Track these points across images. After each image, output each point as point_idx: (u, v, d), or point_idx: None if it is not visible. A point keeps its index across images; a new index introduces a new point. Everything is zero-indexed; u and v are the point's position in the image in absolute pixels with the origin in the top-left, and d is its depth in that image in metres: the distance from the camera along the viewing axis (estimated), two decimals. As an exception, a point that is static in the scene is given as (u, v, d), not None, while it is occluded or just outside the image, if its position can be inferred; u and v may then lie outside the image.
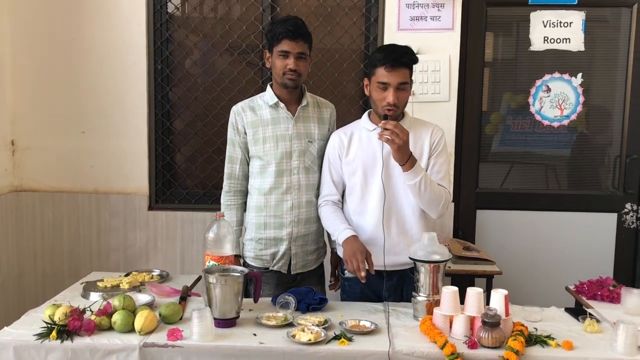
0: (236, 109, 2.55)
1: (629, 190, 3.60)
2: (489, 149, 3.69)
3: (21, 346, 1.88)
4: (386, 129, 2.18)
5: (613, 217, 3.63)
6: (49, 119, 3.54)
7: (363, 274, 2.21)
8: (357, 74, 3.57)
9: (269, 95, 2.52)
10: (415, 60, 2.34)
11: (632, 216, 3.61)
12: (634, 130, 3.58)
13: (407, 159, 2.22)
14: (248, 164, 2.58)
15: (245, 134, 2.51)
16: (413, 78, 2.37)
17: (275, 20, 2.56)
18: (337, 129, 2.62)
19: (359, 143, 2.42)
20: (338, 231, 2.36)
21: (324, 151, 2.53)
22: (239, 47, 3.60)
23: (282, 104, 2.50)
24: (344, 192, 2.50)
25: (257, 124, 2.50)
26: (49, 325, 1.95)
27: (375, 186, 2.37)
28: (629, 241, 3.63)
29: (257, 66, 3.58)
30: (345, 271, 2.48)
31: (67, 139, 3.55)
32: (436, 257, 2.12)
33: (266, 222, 2.53)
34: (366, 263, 2.24)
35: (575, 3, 3.47)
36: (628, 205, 3.61)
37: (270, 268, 2.55)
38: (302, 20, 2.47)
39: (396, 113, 2.31)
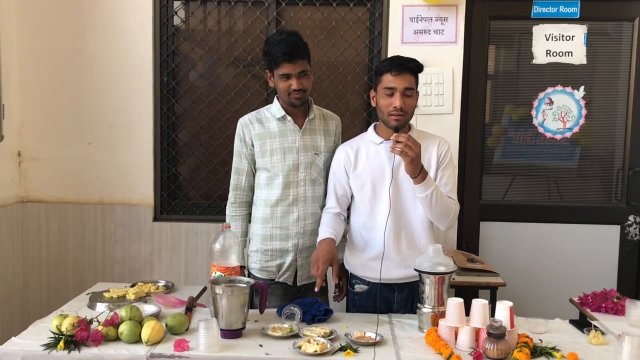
0: (243, 121, 2.57)
1: (632, 202, 3.61)
2: (492, 161, 3.71)
3: (29, 356, 1.89)
4: (398, 142, 2.17)
5: (616, 229, 3.64)
6: (55, 130, 3.57)
7: (319, 281, 2.24)
8: (361, 86, 3.60)
9: (276, 108, 2.54)
10: (421, 68, 2.35)
11: (635, 228, 3.62)
12: (637, 142, 3.59)
13: (419, 172, 2.22)
14: (254, 176, 2.60)
15: (253, 146, 2.53)
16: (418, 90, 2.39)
17: (269, 40, 2.46)
18: (341, 141, 2.64)
19: (367, 157, 2.42)
20: (321, 233, 2.39)
21: (330, 163, 2.55)
22: (244, 60, 3.63)
23: (289, 117, 2.51)
24: (350, 206, 2.50)
25: (265, 136, 2.52)
26: (57, 336, 1.96)
27: (384, 200, 2.37)
28: (632, 253, 3.63)
29: (262, 79, 3.60)
30: (355, 285, 2.48)
31: (73, 150, 3.57)
32: (441, 269, 2.13)
33: (272, 233, 2.54)
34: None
35: (577, 17, 3.50)
36: (631, 218, 3.62)
37: (276, 279, 2.56)
38: (296, 35, 2.45)
39: (403, 120, 2.31)
